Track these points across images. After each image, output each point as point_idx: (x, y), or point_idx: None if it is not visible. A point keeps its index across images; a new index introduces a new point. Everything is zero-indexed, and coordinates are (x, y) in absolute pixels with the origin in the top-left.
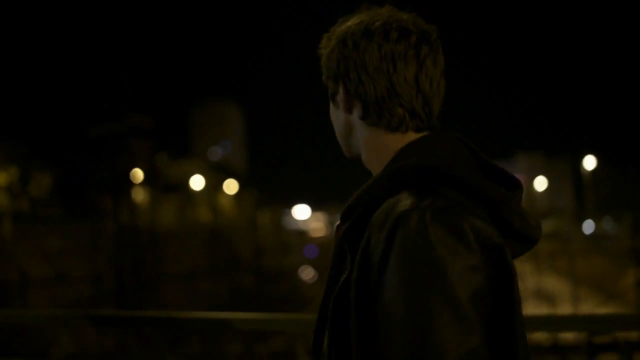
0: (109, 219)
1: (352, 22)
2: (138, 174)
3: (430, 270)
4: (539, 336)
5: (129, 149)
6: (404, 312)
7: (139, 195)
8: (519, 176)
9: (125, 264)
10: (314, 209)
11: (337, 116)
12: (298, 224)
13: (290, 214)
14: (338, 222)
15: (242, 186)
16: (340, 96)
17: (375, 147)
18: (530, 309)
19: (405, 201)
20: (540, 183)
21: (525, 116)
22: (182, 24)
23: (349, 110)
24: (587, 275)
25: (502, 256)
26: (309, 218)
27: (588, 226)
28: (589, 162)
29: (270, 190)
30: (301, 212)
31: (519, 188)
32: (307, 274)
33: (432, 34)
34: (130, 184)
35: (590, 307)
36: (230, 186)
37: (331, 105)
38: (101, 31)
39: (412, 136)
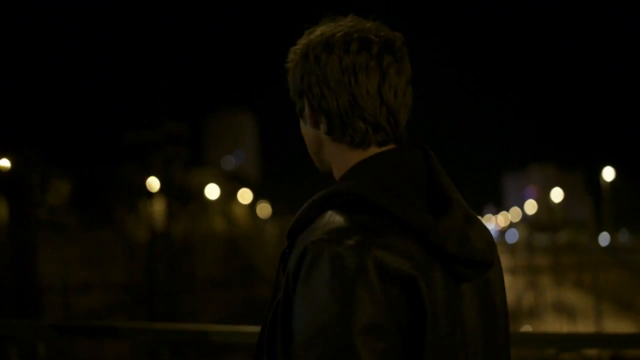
0: (132, 227)
1: (314, 34)
2: (155, 182)
3: (325, 303)
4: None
5: (165, 156)
6: (300, 341)
7: (160, 204)
8: (533, 187)
9: (157, 272)
10: None
11: (306, 131)
12: None
13: None
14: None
15: (256, 196)
16: (306, 112)
17: (339, 162)
18: (550, 322)
19: (317, 230)
20: (557, 194)
21: (538, 128)
22: (198, 33)
23: (315, 125)
24: (606, 288)
25: (412, 289)
26: None
27: (603, 238)
28: (608, 174)
29: (284, 200)
30: None
31: (451, 213)
32: None
33: (396, 42)
34: (160, 191)
35: (612, 321)
36: (245, 195)
37: (301, 121)
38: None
39: (373, 151)
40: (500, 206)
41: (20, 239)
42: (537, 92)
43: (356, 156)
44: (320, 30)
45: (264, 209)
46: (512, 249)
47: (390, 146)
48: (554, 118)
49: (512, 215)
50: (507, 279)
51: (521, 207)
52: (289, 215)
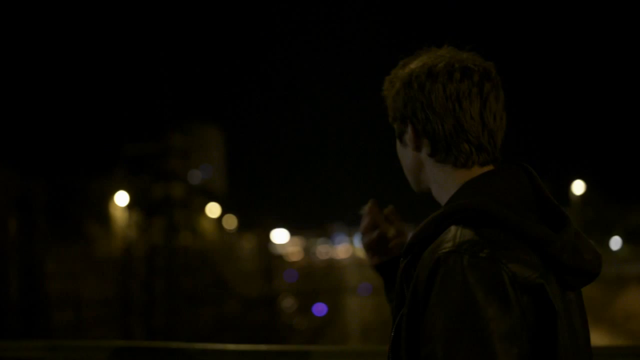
0: (102, 242)
1: (414, 64)
2: (123, 196)
3: (464, 311)
4: None
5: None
6: (437, 348)
7: (129, 219)
8: None
9: (130, 288)
10: (292, 233)
11: (405, 154)
12: (277, 248)
13: (270, 238)
14: (401, 259)
15: (223, 210)
16: (409, 135)
17: (444, 182)
18: None
19: (447, 243)
20: None
21: (506, 140)
22: (165, 48)
23: (417, 148)
24: None
25: (541, 296)
26: (287, 242)
27: None
28: (578, 187)
29: (251, 214)
30: (280, 236)
31: (565, 225)
32: (287, 302)
33: (492, 71)
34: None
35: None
36: (213, 209)
37: (398, 144)
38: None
39: (476, 171)
40: None
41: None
42: (505, 104)
43: (461, 175)
44: (421, 61)
45: (231, 223)
46: None
47: (491, 166)
48: (522, 130)
49: None
50: None
51: None
52: (257, 228)
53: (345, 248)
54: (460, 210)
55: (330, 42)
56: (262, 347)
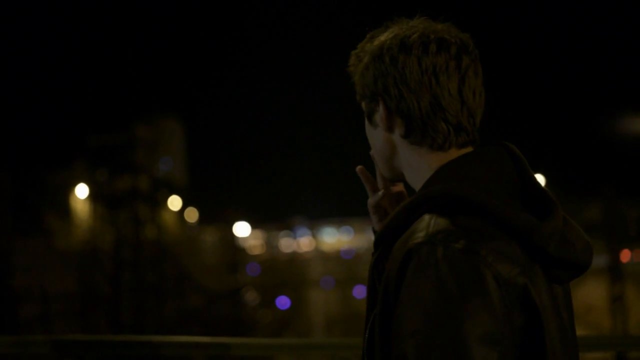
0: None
1: (384, 37)
2: (84, 188)
3: (437, 309)
4: None
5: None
6: (409, 348)
7: (90, 211)
8: None
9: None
10: (254, 226)
11: (375, 136)
12: (239, 241)
13: (232, 231)
14: (373, 251)
15: (184, 203)
16: (380, 115)
17: (418, 166)
18: None
19: (419, 233)
20: None
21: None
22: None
23: (389, 129)
24: None
25: (525, 296)
26: (249, 236)
27: None
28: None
29: (212, 207)
30: (242, 229)
31: (552, 212)
32: (250, 295)
33: (470, 44)
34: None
35: None
36: (175, 202)
37: (367, 126)
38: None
39: (453, 153)
40: None
41: None
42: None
43: (437, 159)
44: (392, 32)
45: (192, 216)
46: None
47: (469, 148)
48: (481, 127)
49: None
50: None
51: None
52: (218, 222)
53: (308, 241)
54: (434, 197)
55: (290, 35)
56: (225, 339)
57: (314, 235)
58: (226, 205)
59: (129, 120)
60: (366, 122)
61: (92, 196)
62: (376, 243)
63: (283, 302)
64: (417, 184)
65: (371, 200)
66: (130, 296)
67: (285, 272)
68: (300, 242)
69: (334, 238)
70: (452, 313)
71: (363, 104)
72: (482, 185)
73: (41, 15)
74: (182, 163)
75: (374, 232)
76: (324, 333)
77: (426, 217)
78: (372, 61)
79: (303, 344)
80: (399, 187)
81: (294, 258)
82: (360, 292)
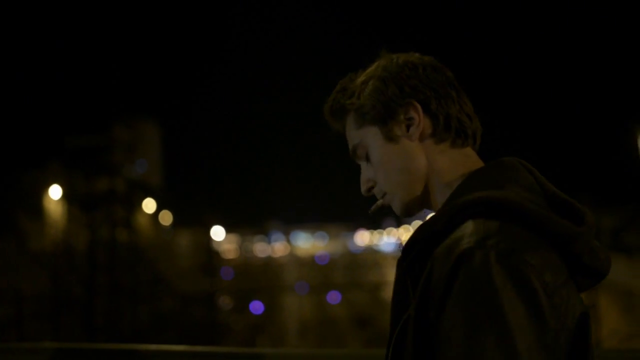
0: (35, 236)
1: (385, 60)
2: (59, 190)
3: (490, 314)
4: None
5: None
6: (459, 350)
7: (57, 213)
8: None
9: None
10: (228, 230)
11: (396, 152)
12: (214, 245)
13: (206, 234)
14: (399, 256)
15: (159, 206)
16: (415, 118)
17: (442, 166)
18: None
19: (469, 238)
20: None
21: None
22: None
23: (419, 128)
24: None
25: (567, 305)
26: (223, 240)
27: None
28: None
29: (186, 211)
30: (216, 233)
31: (586, 221)
32: (223, 300)
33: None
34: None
35: None
36: (149, 205)
37: (381, 146)
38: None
39: (469, 152)
40: (401, 220)
41: None
42: None
43: (460, 156)
44: (390, 57)
45: (167, 219)
46: None
47: (489, 163)
48: None
49: (415, 228)
50: None
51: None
52: (195, 226)
53: (283, 246)
54: (477, 204)
55: (267, 40)
56: (198, 348)
57: (288, 241)
58: (200, 209)
59: (107, 122)
60: (376, 148)
61: (67, 197)
62: (409, 247)
63: (257, 307)
64: (439, 189)
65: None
66: (105, 299)
67: (259, 277)
68: (274, 247)
69: (308, 243)
70: (505, 320)
71: (374, 125)
72: (517, 192)
73: (18, 14)
74: (157, 166)
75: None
76: (298, 339)
77: (471, 223)
78: (389, 76)
79: (277, 353)
80: None
81: (269, 263)
82: (334, 297)
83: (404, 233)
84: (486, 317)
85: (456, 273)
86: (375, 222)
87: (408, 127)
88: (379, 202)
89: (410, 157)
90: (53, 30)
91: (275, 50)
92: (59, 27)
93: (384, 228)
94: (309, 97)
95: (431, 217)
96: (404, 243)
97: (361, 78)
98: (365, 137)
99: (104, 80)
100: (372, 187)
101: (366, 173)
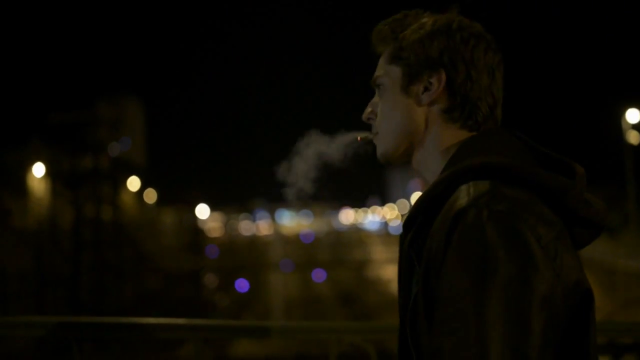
0: (18, 214)
1: (445, 18)
2: (39, 168)
3: (485, 269)
4: None
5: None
6: (457, 307)
7: (41, 191)
8: (417, 180)
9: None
10: (213, 208)
11: (403, 106)
12: (199, 223)
13: (191, 213)
14: (401, 232)
15: (144, 184)
16: (434, 86)
17: (447, 142)
18: None
19: (461, 200)
20: None
21: None
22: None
23: (433, 101)
24: None
25: (561, 258)
26: (208, 218)
27: None
28: None
29: (170, 188)
30: (201, 211)
31: (577, 173)
32: (209, 277)
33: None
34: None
35: None
36: (134, 183)
37: (394, 93)
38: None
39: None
40: (385, 199)
41: None
42: None
43: (463, 136)
44: (456, 18)
45: (151, 197)
46: (396, 239)
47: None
48: None
49: (400, 207)
50: (392, 270)
51: (408, 199)
52: (177, 203)
53: (268, 224)
54: (474, 169)
55: (251, 21)
56: (181, 320)
57: (273, 219)
58: (185, 187)
59: (90, 99)
60: (391, 90)
61: (51, 175)
62: (408, 223)
63: (242, 284)
64: (430, 161)
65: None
66: (89, 277)
67: (244, 255)
68: (259, 225)
69: (293, 221)
70: (500, 273)
71: (400, 69)
72: (511, 155)
73: None
74: (141, 143)
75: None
76: (283, 316)
77: (463, 186)
78: (438, 33)
79: (261, 326)
80: None
81: (254, 241)
82: (319, 275)
83: (389, 211)
84: (482, 273)
85: (452, 234)
86: (360, 201)
87: (425, 89)
88: (370, 135)
89: (411, 117)
90: (35, 7)
91: (259, 30)
92: (41, 4)
93: (368, 206)
94: (292, 75)
95: (434, 182)
96: (402, 219)
97: (421, 20)
98: (389, 75)
99: (88, 56)
100: (372, 119)
101: (374, 103)
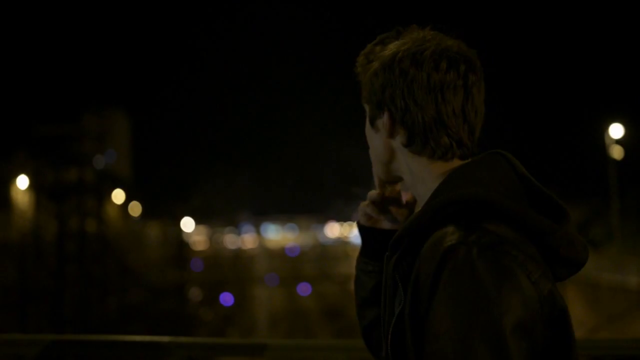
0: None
1: (396, 46)
2: (23, 180)
3: (475, 305)
4: None
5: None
6: (447, 344)
7: (24, 203)
8: None
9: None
10: (198, 222)
11: (375, 139)
12: (184, 237)
13: (176, 226)
14: (387, 253)
15: (128, 197)
16: (384, 122)
17: (420, 173)
18: None
19: (452, 235)
20: None
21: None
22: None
23: (391, 136)
24: None
25: (549, 294)
26: (192, 231)
27: None
28: None
29: (155, 202)
30: (186, 225)
31: (565, 216)
32: (193, 291)
33: (477, 62)
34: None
35: None
36: (118, 196)
37: (368, 128)
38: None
39: (455, 163)
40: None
41: None
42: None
43: (441, 167)
44: (404, 44)
45: (136, 210)
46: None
47: (469, 160)
48: None
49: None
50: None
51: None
52: (162, 217)
53: (252, 238)
54: (457, 202)
55: (237, 32)
56: (165, 338)
57: (258, 232)
58: (170, 201)
59: (75, 112)
60: (367, 124)
61: (35, 187)
62: (394, 244)
63: (227, 298)
64: (417, 188)
65: (372, 193)
66: (73, 290)
67: (229, 269)
68: (244, 239)
69: (278, 235)
70: (490, 309)
71: (367, 107)
72: (495, 189)
73: None
74: (127, 156)
75: (360, 226)
76: (268, 330)
77: (452, 223)
78: (382, 69)
79: (247, 344)
80: (397, 187)
81: (239, 255)
82: (304, 289)
83: (348, 229)
84: (472, 310)
85: (442, 270)
86: (320, 219)
87: (384, 124)
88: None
89: (384, 149)
90: (21, 17)
91: (245, 41)
92: (27, 14)
93: (353, 220)
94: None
95: (416, 215)
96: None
97: (383, 52)
98: (365, 108)
99: (73, 68)
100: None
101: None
